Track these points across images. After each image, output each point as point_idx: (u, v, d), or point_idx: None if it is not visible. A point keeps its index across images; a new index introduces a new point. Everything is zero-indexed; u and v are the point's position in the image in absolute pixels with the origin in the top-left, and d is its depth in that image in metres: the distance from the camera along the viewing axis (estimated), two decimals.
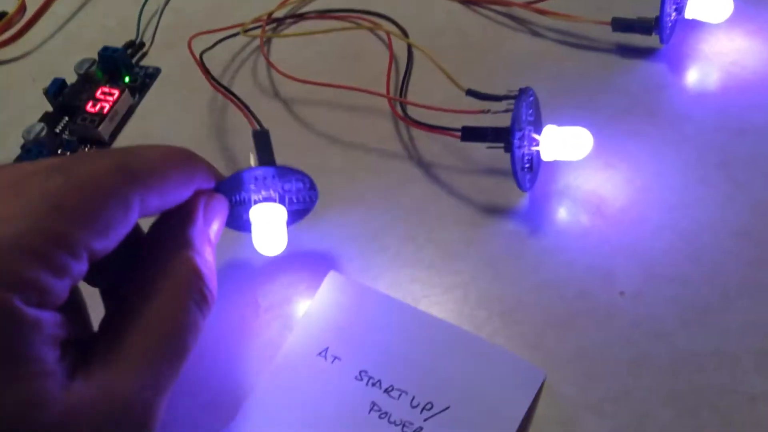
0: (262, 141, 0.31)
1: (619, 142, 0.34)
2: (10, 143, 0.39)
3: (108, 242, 0.23)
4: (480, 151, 0.33)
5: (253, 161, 0.31)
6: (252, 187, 0.30)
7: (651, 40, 0.37)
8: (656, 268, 0.30)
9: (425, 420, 0.28)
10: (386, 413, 0.28)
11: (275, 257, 0.32)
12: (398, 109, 0.36)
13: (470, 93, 0.32)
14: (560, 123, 0.32)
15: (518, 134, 0.30)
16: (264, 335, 0.31)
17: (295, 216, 0.31)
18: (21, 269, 0.20)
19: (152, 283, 0.25)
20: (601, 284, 0.30)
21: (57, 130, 0.39)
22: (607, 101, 0.36)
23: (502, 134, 0.31)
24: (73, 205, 0.22)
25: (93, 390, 0.22)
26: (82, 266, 0.22)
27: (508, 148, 0.30)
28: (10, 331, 0.20)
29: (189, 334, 0.25)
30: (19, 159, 0.38)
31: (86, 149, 0.38)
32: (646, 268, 0.30)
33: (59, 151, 0.38)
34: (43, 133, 0.37)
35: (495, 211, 0.33)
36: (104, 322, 0.25)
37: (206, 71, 0.38)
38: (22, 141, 0.38)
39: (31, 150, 0.37)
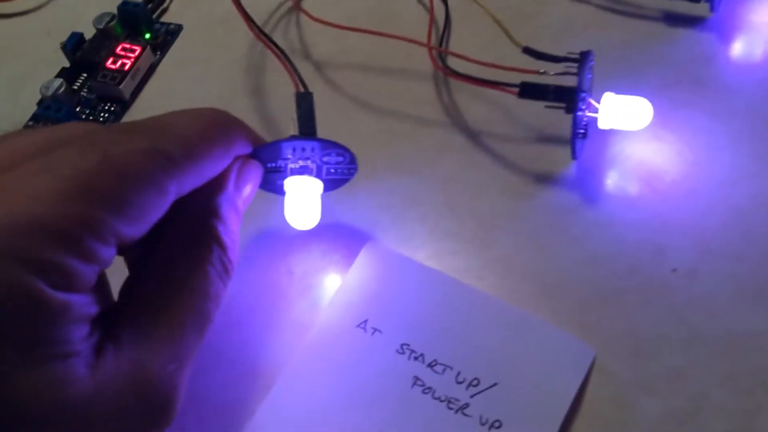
0: (306, 105, 0.29)
1: (668, 114, 0.33)
2: (24, 98, 0.38)
3: (139, 229, 0.22)
4: (525, 117, 0.32)
5: (293, 126, 0.29)
6: (289, 155, 0.28)
7: (699, 8, 0.36)
8: (710, 245, 0.29)
9: (471, 396, 0.27)
10: (430, 388, 0.27)
11: None
12: (440, 63, 0.34)
13: (527, 51, 0.30)
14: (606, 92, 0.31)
15: (583, 95, 0.28)
16: (299, 305, 0.29)
17: (331, 185, 0.30)
18: (48, 253, 0.19)
19: (176, 250, 0.24)
20: (652, 260, 0.29)
21: (75, 87, 0.38)
22: (653, 71, 0.35)
23: (566, 93, 0.29)
24: (108, 189, 0.20)
25: (119, 367, 0.21)
26: (110, 252, 0.21)
27: (571, 108, 0.29)
28: (33, 314, 0.19)
29: (212, 304, 0.24)
30: (36, 115, 0.37)
31: (106, 107, 0.37)
32: (699, 245, 0.29)
33: (77, 109, 0.37)
34: (62, 89, 0.35)
35: (540, 181, 0.32)
36: (126, 287, 0.24)
37: (248, 18, 0.35)
38: (37, 96, 0.37)
39: (50, 106, 0.35)
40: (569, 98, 0.29)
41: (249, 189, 0.27)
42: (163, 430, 0.22)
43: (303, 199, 0.29)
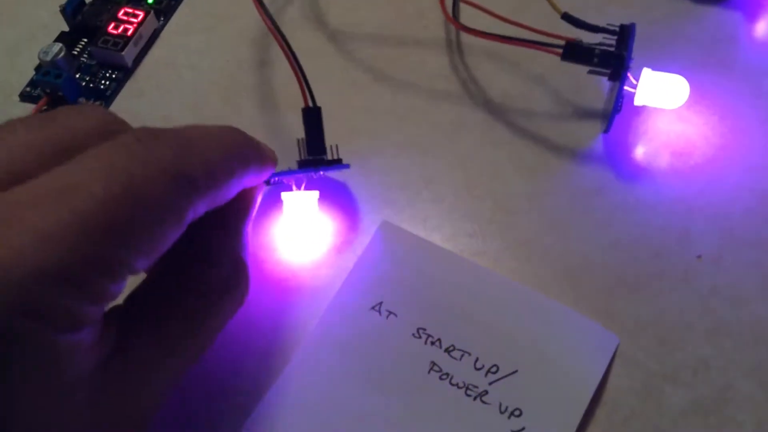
0: (313, 121, 0.28)
1: (694, 96, 0.31)
2: (21, 63, 0.36)
3: (152, 259, 0.20)
4: (547, 93, 0.31)
5: (299, 146, 0.29)
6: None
7: None
8: (736, 231, 0.28)
9: (490, 384, 0.26)
10: (447, 374, 0.26)
11: (321, 203, 0.29)
12: (459, 23, 0.32)
13: (566, 17, 0.29)
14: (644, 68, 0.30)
15: (630, 62, 0.27)
16: (311, 286, 0.28)
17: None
18: (57, 301, 0.18)
19: (196, 270, 0.24)
20: (677, 246, 0.28)
21: (74, 52, 0.36)
22: (678, 51, 0.33)
23: (613, 59, 0.28)
24: (129, 225, 0.19)
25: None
26: (121, 286, 0.20)
27: (616, 75, 0.28)
28: (41, 359, 0.18)
29: (213, 337, 0.24)
30: (34, 81, 0.35)
31: (107, 74, 0.35)
32: (725, 231, 0.28)
33: (77, 75, 0.35)
34: (62, 54, 0.34)
35: (563, 160, 0.31)
36: (138, 297, 0.23)
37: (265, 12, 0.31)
38: (35, 61, 0.35)
39: (49, 72, 0.33)
40: (617, 64, 0.27)
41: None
42: None
43: (300, 212, 0.29)
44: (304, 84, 0.28)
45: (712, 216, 0.29)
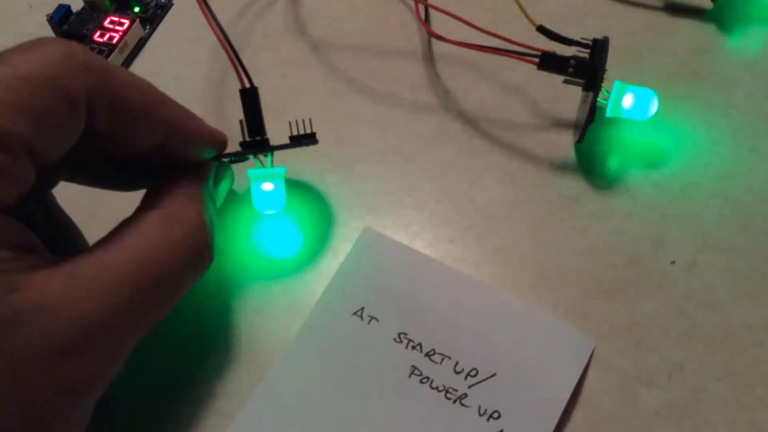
0: (248, 102, 0.28)
1: (668, 106, 0.32)
2: None
3: (54, 141, 0.21)
4: (524, 104, 0.31)
5: (242, 128, 0.28)
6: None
7: None
8: (708, 238, 0.29)
9: (470, 387, 0.26)
10: (428, 378, 0.27)
11: (301, 211, 0.30)
12: (433, 32, 0.33)
13: (541, 30, 0.29)
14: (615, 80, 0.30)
15: (602, 74, 0.28)
16: (293, 292, 0.29)
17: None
18: None
19: (161, 226, 0.23)
20: (651, 252, 0.29)
21: None
22: (653, 62, 0.34)
23: (587, 69, 0.28)
24: (13, 98, 0.19)
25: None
26: (23, 166, 0.20)
27: (591, 85, 0.28)
28: None
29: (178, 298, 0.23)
30: None
31: None
32: (697, 237, 0.29)
33: None
34: None
35: (540, 169, 0.31)
36: None
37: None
38: None
39: None
40: (592, 74, 0.28)
41: (223, 186, 0.28)
42: None
43: (267, 187, 0.29)
44: (237, 63, 0.27)
45: (686, 223, 0.29)
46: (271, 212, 0.29)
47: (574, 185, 0.31)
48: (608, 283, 0.28)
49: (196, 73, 0.36)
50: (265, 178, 0.28)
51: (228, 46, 0.27)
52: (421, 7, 0.36)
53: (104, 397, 0.21)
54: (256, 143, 0.28)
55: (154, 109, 0.23)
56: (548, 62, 0.29)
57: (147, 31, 0.37)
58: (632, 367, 0.26)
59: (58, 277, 0.20)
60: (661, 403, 0.26)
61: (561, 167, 0.31)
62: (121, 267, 0.21)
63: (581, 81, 0.29)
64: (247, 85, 0.28)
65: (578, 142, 0.31)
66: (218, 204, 0.28)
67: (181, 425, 0.26)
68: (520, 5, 0.30)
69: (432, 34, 0.33)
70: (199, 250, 0.24)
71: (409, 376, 0.27)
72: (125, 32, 0.36)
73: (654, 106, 0.30)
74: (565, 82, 0.29)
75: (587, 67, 0.28)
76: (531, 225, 0.30)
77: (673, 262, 0.28)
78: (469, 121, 0.33)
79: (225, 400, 0.26)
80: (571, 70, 0.28)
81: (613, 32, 0.35)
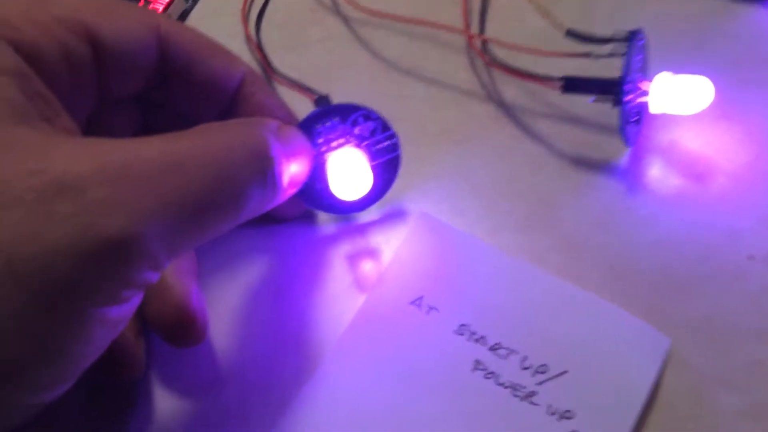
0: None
1: (733, 95, 0.30)
2: None
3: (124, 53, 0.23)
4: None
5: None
6: (321, 140, 0.26)
7: None
8: None
9: (538, 384, 0.25)
10: (493, 373, 0.25)
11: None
12: (480, 49, 0.31)
13: (570, 33, 0.28)
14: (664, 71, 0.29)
15: (629, 85, 0.26)
16: (348, 279, 0.27)
17: (385, 169, 0.27)
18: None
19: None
20: (726, 246, 0.27)
21: None
22: (716, 48, 0.33)
23: (611, 86, 0.27)
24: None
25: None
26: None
27: (618, 101, 0.27)
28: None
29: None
30: None
31: None
32: None
33: None
34: None
35: (602, 161, 0.30)
36: None
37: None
38: None
39: None
40: (616, 91, 0.26)
41: (299, 165, 0.24)
42: None
43: (348, 168, 0.26)
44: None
45: (762, 215, 0.28)
46: (354, 196, 0.27)
47: (630, 180, 0.29)
48: (682, 277, 0.27)
49: (241, 48, 0.34)
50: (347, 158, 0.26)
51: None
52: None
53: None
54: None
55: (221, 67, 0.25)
56: (572, 86, 0.28)
57: (190, 3, 0.36)
58: (710, 367, 0.25)
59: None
60: (741, 406, 0.24)
61: (620, 163, 0.29)
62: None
63: (609, 98, 0.27)
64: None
65: (627, 145, 0.29)
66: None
67: (232, 414, 0.24)
68: (542, 9, 0.29)
69: (484, 60, 0.32)
70: (261, 162, 0.21)
71: (472, 371, 0.25)
72: (168, 4, 0.34)
73: (707, 97, 0.28)
74: (595, 101, 0.28)
75: (611, 84, 0.27)
76: (597, 215, 0.28)
77: (751, 257, 0.27)
78: (527, 107, 0.31)
79: (276, 392, 0.25)
80: (596, 89, 0.27)
81: (673, 17, 0.33)
